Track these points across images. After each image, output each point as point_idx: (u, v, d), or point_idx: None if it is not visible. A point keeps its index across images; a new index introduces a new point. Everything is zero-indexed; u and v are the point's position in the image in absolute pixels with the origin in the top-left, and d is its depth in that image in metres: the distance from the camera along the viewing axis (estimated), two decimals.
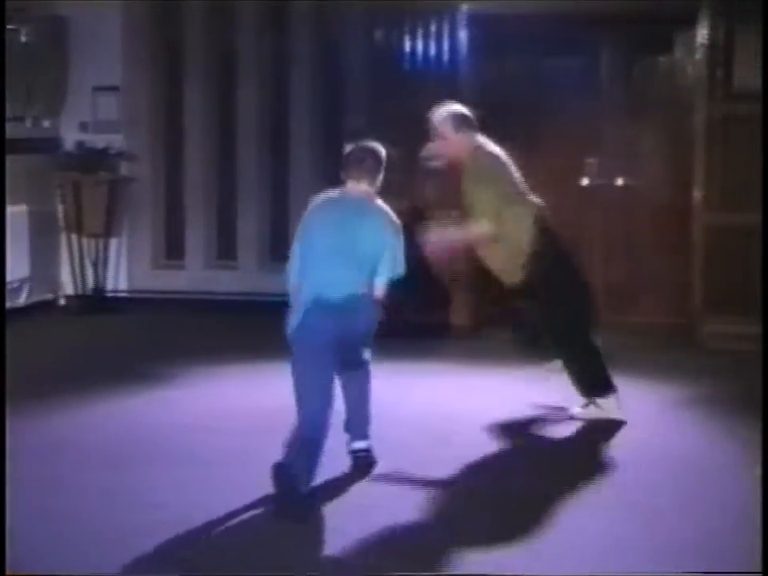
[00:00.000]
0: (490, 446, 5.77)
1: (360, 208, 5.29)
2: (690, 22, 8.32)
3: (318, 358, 5.10)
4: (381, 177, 5.39)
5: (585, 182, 9.16)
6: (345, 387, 5.38)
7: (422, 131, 8.58)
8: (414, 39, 8.61)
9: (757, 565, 3.86)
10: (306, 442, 4.91)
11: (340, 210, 5.30)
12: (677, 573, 4.13)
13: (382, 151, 5.39)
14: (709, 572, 4.08)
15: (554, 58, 9.23)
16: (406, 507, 4.80)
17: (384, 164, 5.38)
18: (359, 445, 5.38)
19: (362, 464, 5.34)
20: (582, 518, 4.68)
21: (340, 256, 5.16)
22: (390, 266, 5.28)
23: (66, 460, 5.45)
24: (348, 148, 5.48)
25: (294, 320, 5.19)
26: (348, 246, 5.17)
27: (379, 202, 5.38)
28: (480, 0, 8.49)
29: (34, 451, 5.51)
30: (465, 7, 8.53)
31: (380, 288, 5.29)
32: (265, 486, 4.80)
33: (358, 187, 5.33)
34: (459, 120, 6.19)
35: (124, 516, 4.68)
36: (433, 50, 8.58)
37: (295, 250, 5.33)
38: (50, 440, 5.77)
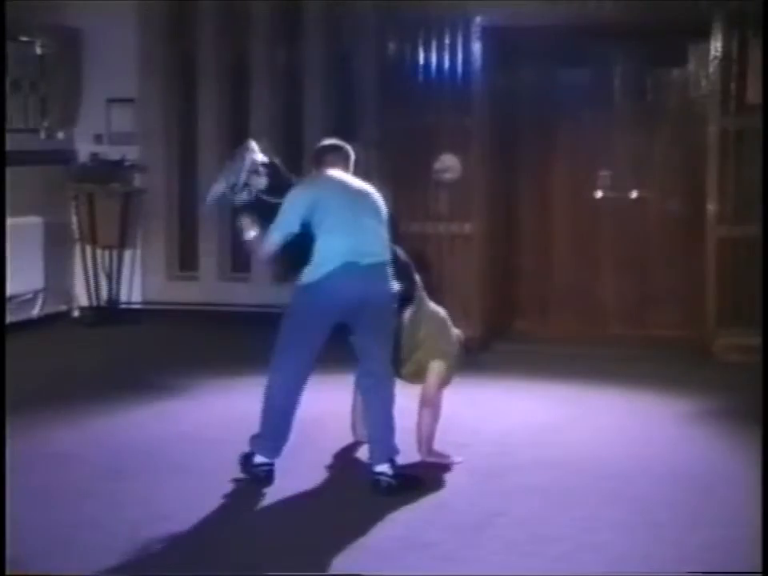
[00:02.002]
0: (500, 457, 5.76)
1: (357, 184, 5.44)
2: (704, 35, 8.31)
3: (321, 320, 5.24)
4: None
5: (598, 194, 9.17)
6: (365, 400, 5.42)
7: (435, 143, 8.66)
8: (427, 51, 8.61)
9: (757, 565, 3.86)
10: (276, 409, 5.37)
11: (344, 184, 5.40)
12: (678, 573, 4.15)
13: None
14: (709, 572, 4.08)
15: (568, 70, 9.25)
16: None
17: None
18: (379, 468, 5.21)
19: (383, 489, 5.16)
20: (590, 530, 4.66)
21: (365, 227, 5.28)
22: (391, 238, 5.47)
23: (76, 470, 5.47)
24: (319, 144, 5.65)
25: (312, 274, 5.22)
26: (367, 217, 5.32)
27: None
28: (493, 11, 8.48)
29: (46, 461, 5.53)
30: (478, 19, 8.53)
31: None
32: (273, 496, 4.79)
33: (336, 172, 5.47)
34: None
35: (131, 525, 4.69)
36: (446, 62, 8.58)
37: (295, 215, 5.25)
38: (62, 450, 5.79)
